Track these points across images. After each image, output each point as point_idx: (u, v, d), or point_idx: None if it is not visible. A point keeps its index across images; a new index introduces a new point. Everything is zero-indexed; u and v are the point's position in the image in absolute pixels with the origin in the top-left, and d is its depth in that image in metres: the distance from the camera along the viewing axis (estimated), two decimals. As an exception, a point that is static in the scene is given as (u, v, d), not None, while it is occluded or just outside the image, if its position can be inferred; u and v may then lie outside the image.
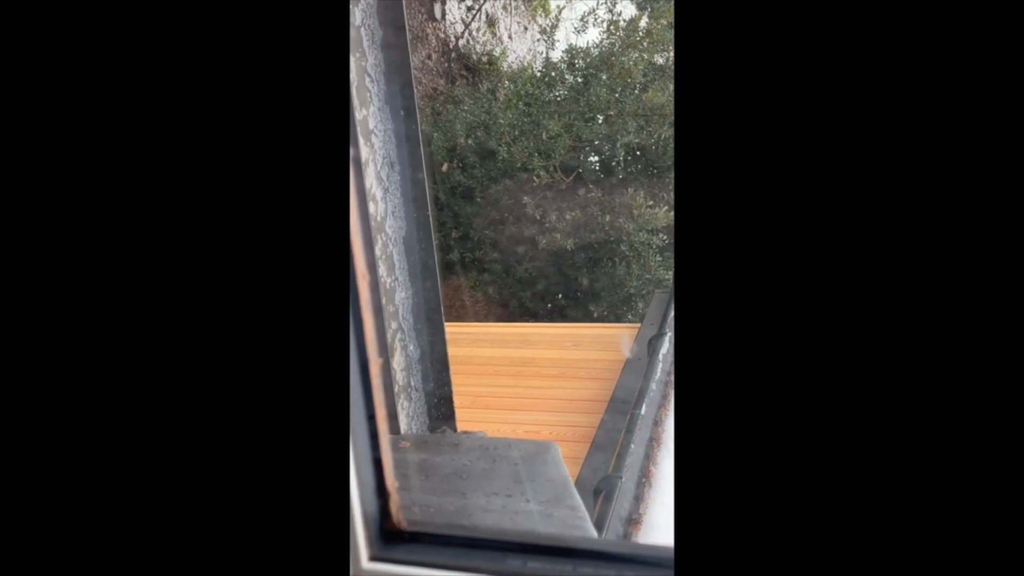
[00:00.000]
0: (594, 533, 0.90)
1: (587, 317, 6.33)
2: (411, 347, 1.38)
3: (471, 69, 7.93)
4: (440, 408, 1.49)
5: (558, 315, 6.64)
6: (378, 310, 0.77)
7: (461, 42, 7.92)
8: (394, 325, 1.31)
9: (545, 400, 4.04)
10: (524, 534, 0.73)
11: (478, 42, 8.18)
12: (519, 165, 6.10)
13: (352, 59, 1.21)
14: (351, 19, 1.19)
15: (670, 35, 5.98)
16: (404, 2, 1.36)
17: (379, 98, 1.29)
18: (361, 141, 1.25)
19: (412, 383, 1.41)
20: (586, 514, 1.02)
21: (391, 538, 0.70)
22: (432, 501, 1.01)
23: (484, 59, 8.06)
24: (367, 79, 1.24)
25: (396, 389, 1.38)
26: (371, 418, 0.73)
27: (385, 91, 1.30)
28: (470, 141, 6.39)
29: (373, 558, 0.68)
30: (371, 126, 1.26)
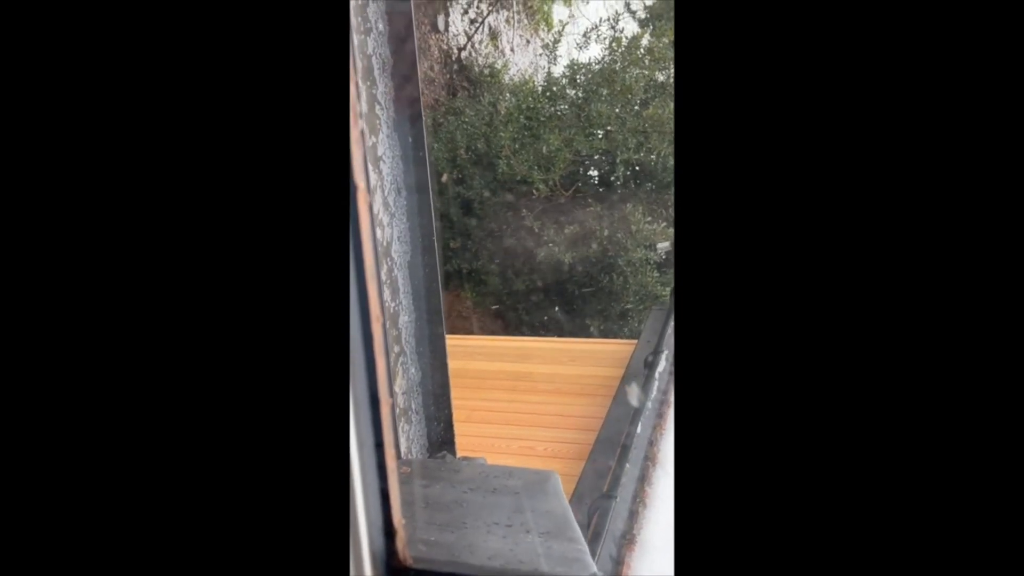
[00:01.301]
0: (594, 567, 0.91)
1: (583, 332, 6.34)
2: (412, 370, 1.39)
3: (473, 81, 7.96)
4: (440, 432, 1.50)
5: (554, 329, 6.65)
6: (388, 350, 0.78)
7: (463, 54, 7.96)
8: (396, 349, 1.32)
9: (540, 416, 4.04)
10: (529, 573, 0.73)
11: (480, 54, 8.21)
12: (519, 178, 6.12)
13: (363, 87, 1.22)
14: (364, 48, 1.21)
15: (671, 53, 6.02)
16: (415, 33, 1.38)
17: (388, 125, 1.30)
18: (370, 168, 1.26)
19: (413, 406, 1.41)
20: (586, 548, 1.03)
21: (398, 575, 0.71)
22: (432, 530, 1.01)
23: (486, 71, 8.09)
24: (377, 107, 1.26)
25: (397, 412, 1.39)
26: (379, 447, 0.74)
27: (394, 118, 1.32)
28: (470, 153, 6.41)
29: (379, 597, 0.69)
30: (380, 153, 1.28)
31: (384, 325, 0.75)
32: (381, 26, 1.25)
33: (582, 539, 1.06)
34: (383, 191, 1.29)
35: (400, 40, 1.28)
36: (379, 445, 0.75)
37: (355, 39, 1.19)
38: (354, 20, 1.19)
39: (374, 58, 1.23)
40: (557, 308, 6.61)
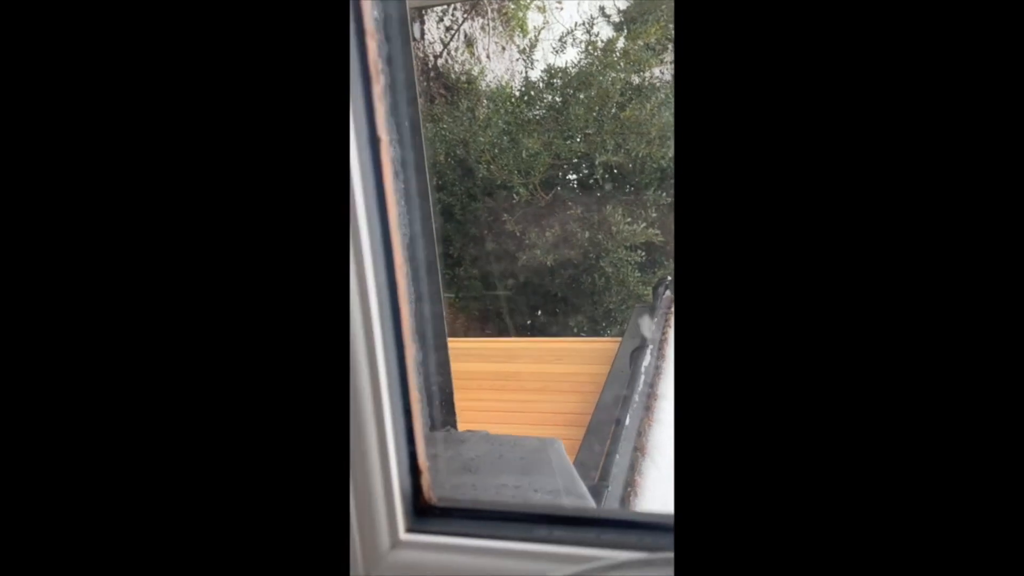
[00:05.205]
0: (603, 518, 0.94)
1: (567, 332, 6.38)
2: (413, 349, 1.42)
3: (450, 88, 8.01)
4: (442, 409, 1.53)
5: (538, 330, 6.69)
6: (409, 300, 0.82)
7: (440, 61, 8.01)
8: (398, 328, 1.35)
9: (529, 413, 4.07)
10: (549, 506, 0.77)
11: (456, 61, 8.26)
12: (499, 182, 6.17)
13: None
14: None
15: (646, 56, 6.11)
16: (408, 23, 1.42)
17: (385, 108, 1.34)
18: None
19: (417, 384, 1.44)
20: (593, 503, 1.06)
21: (424, 512, 0.74)
22: (445, 493, 1.05)
23: (463, 78, 8.14)
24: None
25: (401, 390, 1.42)
26: (406, 401, 0.77)
27: (391, 101, 1.35)
28: (450, 159, 6.44)
29: (410, 530, 0.72)
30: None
31: (407, 273, 0.79)
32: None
33: (588, 496, 1.10)
34: (383, 173, 1.32)
35: (394, 29, 1.31)
36: (406, 401, 0.78)
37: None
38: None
39: (372, 42, 1.26)
40: (540, 311, 6.65)
